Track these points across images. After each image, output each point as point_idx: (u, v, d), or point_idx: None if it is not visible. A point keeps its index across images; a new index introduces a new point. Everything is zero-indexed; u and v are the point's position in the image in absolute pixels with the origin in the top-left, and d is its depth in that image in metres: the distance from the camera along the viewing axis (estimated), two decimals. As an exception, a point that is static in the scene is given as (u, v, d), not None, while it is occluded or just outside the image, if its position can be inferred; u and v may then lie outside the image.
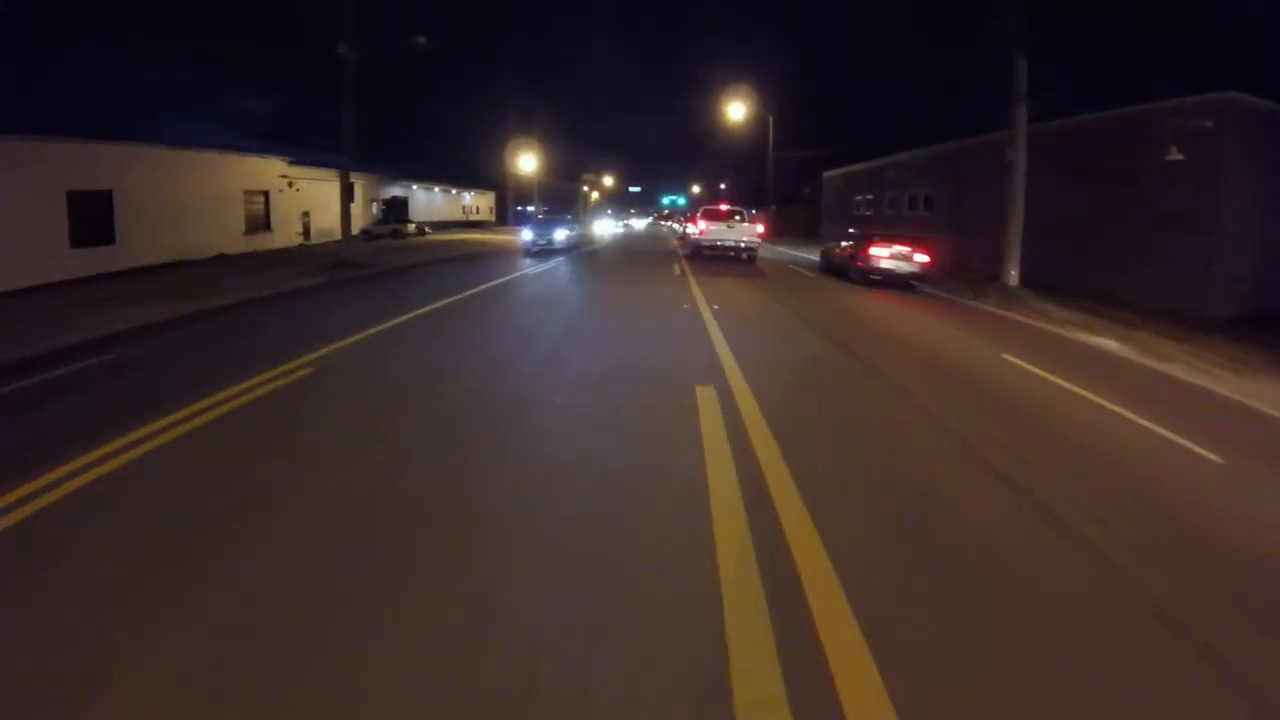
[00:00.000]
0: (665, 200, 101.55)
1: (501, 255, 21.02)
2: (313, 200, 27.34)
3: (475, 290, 11.52)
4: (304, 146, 32.83)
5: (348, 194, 14.96)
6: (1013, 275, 12.96)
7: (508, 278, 13.72)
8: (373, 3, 14.29)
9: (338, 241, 19.76)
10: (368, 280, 13.26)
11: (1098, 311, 11.12)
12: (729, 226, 18.83)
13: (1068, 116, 14.91)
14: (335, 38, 14.05)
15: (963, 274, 16.12)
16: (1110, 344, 8.82)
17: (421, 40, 13.71)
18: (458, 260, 18.94)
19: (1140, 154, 13.27)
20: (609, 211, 73.41)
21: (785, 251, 27.57)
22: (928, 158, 23.92)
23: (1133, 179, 13.55)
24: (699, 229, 19.49)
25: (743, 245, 18.78)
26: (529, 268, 15.84)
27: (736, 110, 31.44)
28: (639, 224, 77.48)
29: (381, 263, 15.70)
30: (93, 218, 17.75)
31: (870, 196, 29.19)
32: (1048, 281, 13.64)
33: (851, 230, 20.37)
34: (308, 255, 19.65)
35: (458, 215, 50.02)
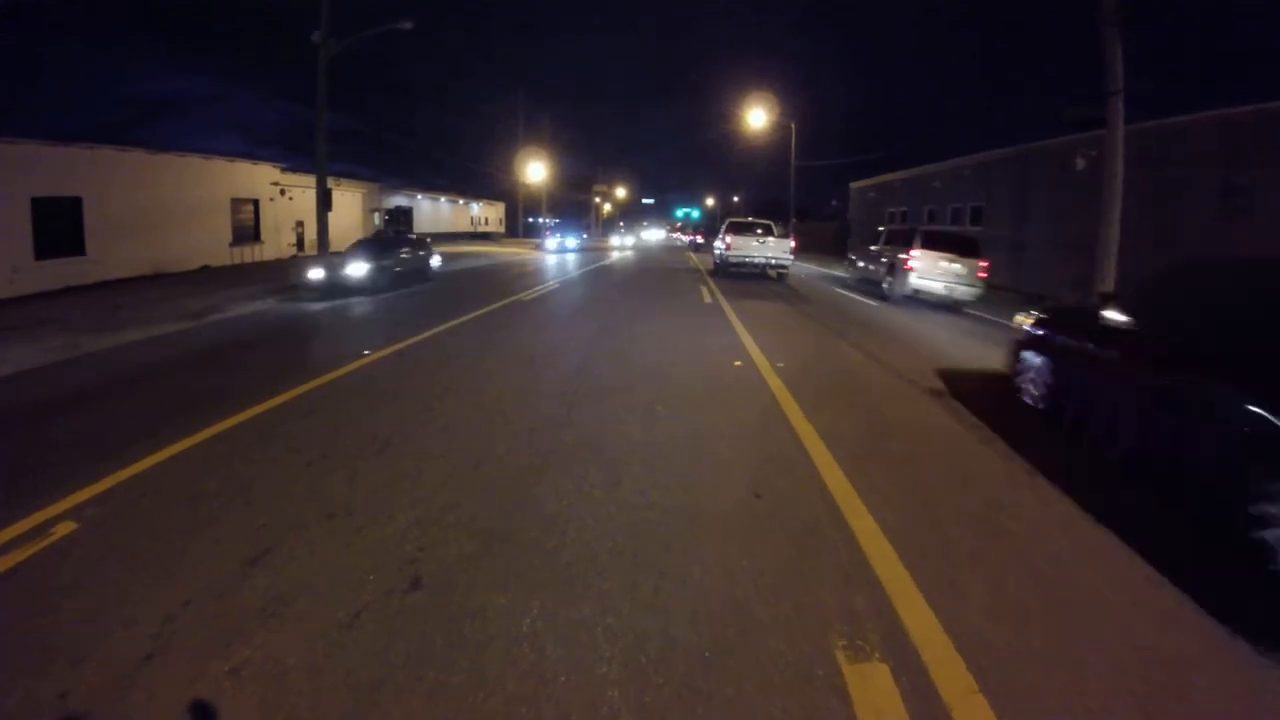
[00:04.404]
0: (679, 213, 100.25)
1: (495, 274, 19.18)
2: (308, 209, 25.81)
3: (444, 326, 9.57)
4: (311, 154, 31.40)
5: (324, 202, 13.19)
6: (1104, 305, 10.71)
7: (488, 309, 11.78)
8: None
9: (334, 253, 18.05)
10: (322, 305, 11.18)
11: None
12: (759, 241, 17.15)
13: (1145, 120, 12.72)
14: (316, 27, 12.39)
15: (1029, 299, 13.97)
16: None
17: (407, 25, 11.97)
18: (443, 281, 17.12)
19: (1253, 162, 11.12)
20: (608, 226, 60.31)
21: (816, 270, 25.32)
22: (977, 165, 21.55)
23: (1239, 192, 11.38)
24: (725, 243, 17.71)
25: (774, 262, 17.13)
26: (519, 294, 13.41)
27: (757, 118, 29.52)
28: (627, 244, 51.11)
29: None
30: (60, 227, 16.38)
31: (906, 209, 27.00)
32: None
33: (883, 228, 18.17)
34: (287, 269, 17.95)
35: (465, 226, 48.58)
